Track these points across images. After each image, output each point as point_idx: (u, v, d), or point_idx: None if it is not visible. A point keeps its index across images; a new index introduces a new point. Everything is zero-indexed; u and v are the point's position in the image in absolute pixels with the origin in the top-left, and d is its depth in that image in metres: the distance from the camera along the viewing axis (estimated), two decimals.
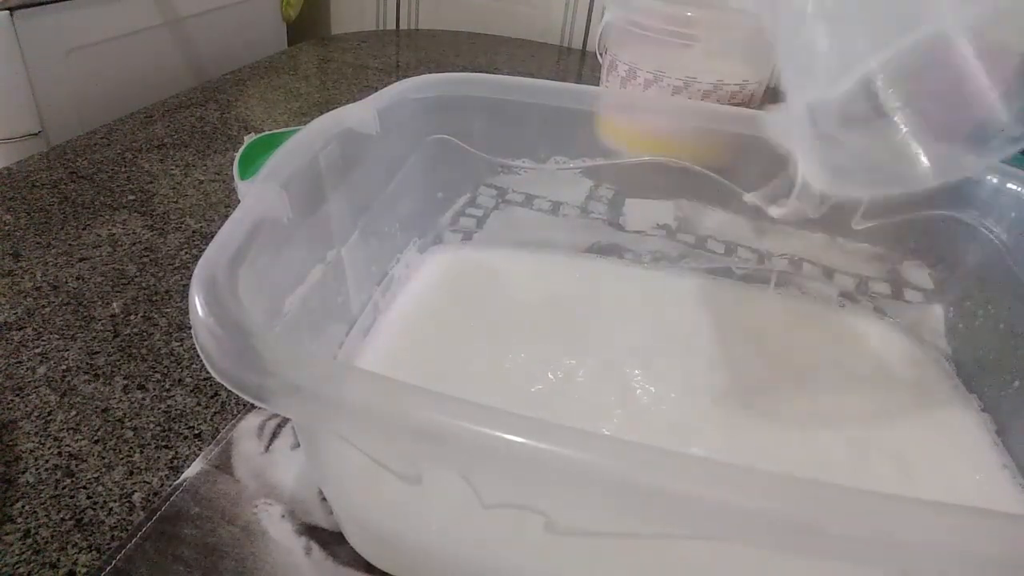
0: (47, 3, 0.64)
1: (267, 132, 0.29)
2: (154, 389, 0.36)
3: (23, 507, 0.29)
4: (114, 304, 0.41)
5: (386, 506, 0.26)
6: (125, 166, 0.56)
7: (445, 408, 0.18)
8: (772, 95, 0.83)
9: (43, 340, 0.38)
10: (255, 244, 0.24)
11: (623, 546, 0.23)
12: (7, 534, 0.28)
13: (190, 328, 0.39)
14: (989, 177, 0.38)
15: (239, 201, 0.26)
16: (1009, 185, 0.37)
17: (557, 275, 0.44)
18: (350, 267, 0.35)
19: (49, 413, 0.34)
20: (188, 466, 0.32)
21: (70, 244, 0.46)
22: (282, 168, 0.29)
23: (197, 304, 0.21)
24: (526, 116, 0.41)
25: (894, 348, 0.41)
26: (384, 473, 0.24)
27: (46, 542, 0.28)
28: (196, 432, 0.34)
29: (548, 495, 0.21)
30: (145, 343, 0.38)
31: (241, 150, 0.28)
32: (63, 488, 0.30)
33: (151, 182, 0.54)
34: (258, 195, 0.26)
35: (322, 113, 0.33)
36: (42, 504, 0.30)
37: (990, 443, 0.35)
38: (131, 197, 0.52)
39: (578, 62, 0.92)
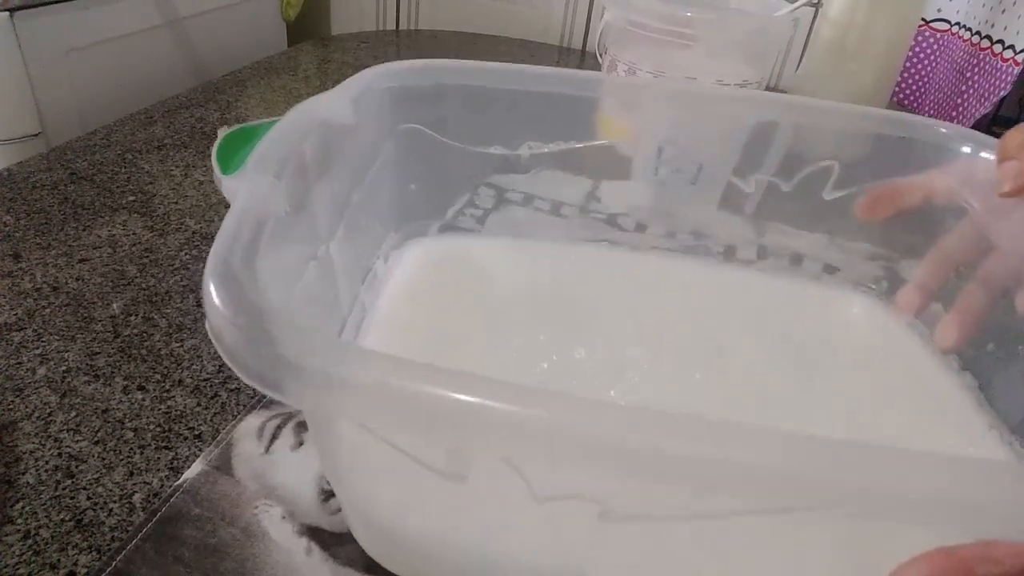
0: (47, 3, 0.64)
1: (239, 125, 0.28)
2: (154, 390, 0.36)
3: (23, 508, 0.29)
4: (114, 305, 0.41)
5: (420, 506, 0.26)
6: (125, 167, 0.56)
7: (498, 394, 0.18)
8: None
9: (43, 341, 0.38)
10: (261, 238, 0.23)
11: (663, 539, 0.22)
12: (7, 535, 0.28)
13: (190, 328, 0.40)
14: (964, 148, 0.39)
15: (223, 197, 0.25)
16: (982, 153, 0.38)
17: (543, 262, 0.44)
18: (338, 263, 0.34)
19: (49, 414, 0.34)
20: (188, 467, 0.32)
21: (70, 245, 0.46)
22: (269, 159, 0.27)
23: (215, 298, 0.19)
24: (497, 101, 0.40)
25: (872, 318, 0.42)
26: (414, 472, 0.23)
27: (46, 543, 0.28)
28: (196, 433, 0.34)
29: (607, 480, 0.21)
30: (145, 344, 0.38)
31: (216, 143, 0.27)
32: (63, 489, 0.30)
33: (151, 183, 0.54)
34: (253, 188, 0.25)
35: None
36: (42, 505, 0.30)
37: (975, 406, 0.36)
38: (131, 198, 0.52)
39: (578, 62, 0.92)
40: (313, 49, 0.88)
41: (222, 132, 0.26)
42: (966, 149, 0.38)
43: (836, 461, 0.18)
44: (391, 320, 0.38)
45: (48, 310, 0.40)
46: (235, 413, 0.35)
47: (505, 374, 0.18)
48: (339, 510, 0.30)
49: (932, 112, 0.75)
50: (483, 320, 0.39)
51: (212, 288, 0.20)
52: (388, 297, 0.40)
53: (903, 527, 0.19)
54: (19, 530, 0.29)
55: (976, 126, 0.68)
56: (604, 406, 0.18)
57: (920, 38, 0.75)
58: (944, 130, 0.39)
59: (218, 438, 0.33)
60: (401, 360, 0.19)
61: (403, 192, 0.43)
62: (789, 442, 0.18)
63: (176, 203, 0.51)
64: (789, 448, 0.18)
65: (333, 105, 0.33)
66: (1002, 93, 0.62)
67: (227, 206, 0.25)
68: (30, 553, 0.28)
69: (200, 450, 0.33)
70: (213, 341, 0.20)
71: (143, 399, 0.35)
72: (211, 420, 0.34)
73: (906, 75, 0.78)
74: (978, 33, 0.68)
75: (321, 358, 0.19)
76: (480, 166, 0.43)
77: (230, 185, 0.26)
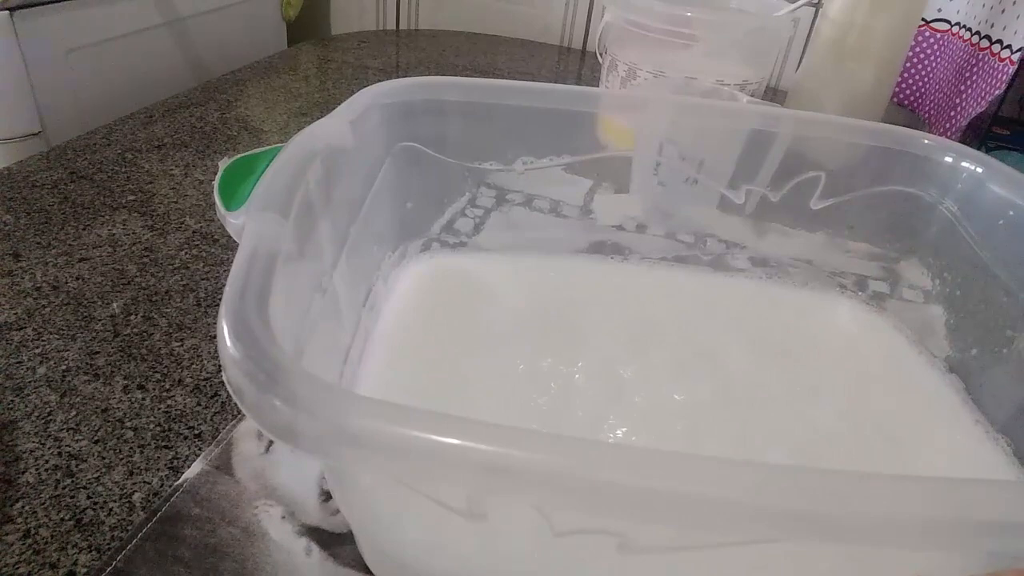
0: (47, 3, 0.64)
1: (239, 155, 0.28)
2: (154, 389, 0.36)
3: (23, 507, 0.29)
4: (114, 304, 0.41)
5: (448, 550, 0.26)
6: (125, 166, 0.56)
7: (519, 443, 0.18)
8: (772, 95, 0.83)
9: (43, 340, 0.38)
10: (271, 282, 0.23)
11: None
12: (7, 534, 0.28)
13: (190, 328, 0.40)
14: (946, 158, 0.40)
15: (228, 234, 0.25)
16: (963, 163, 0.40)
17: (539, 277, 0.44)
18: (341, 290, 0.34)
19: (49, 413, 0.34)
20: (188, 466, 0.32)
21: (70, 244, 0.46)
22: (274, 196, 0.27)
23: (231, 350, 0.19)
24: (493, 117, 0.40)
25: (859, 320, 0.44)
26: (432, 509, 0.23)
27: (46, 542, 0.28)
28: (196, 432, 0.34)
29: (625, 519, 0.21)
30: (145, 343, 0.38)
31: (218, 176, 0.26)
32: (63, 488, 0.30)
33: (151, 182, 0.54)
34: (259, 229, 0.25)
35: (322, 113, 0.33)
36: (42, 504, 0.30)
37: (960, 402, 0.38)
38: (131, 197, 0.52)
39: (578, 62, 0.92)
40: (313, 49, 0.88)
41: (223, 164, 0.26)
42: (948, 159, 0.40)
43: (850, 494, 0.18)
44: (393, 346, 0.38)
45: (48, 309, 0.40)
46: (235, 413, 0.35)
47: (508, 405, 0.18)
48: (339, 511, 0.30)
49: (932, 112, 0.75)
50: (481, 342, 0.39)
51: (228, 341, 0.20)
52: (388, 320, 0.39)
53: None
54: (19, 529, 0.29)
55: (974, 124, 0.68)
56: (629, 451, 0.18)
57: (920, 38, 0.75)
58: (927, 141, 0.41)
59: (218, 438, 0.33)
60: (415, 411, 0.18)
61: (401, 211, 0.42)
62: (803, 477, 0.18)
63: (176, 202, 0.51)
64: (805, 484, 0.18)
65: (333, 131, 0.32)
66: (997, 92, 0.62)
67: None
68: (30, 552, 0.28)
69: (200, 450, 0.33)
70: (231, 392, 0.19)
71: (143, 398, 0.35)
72: (211, 419, 0.34)
73: (906, 75, 0.78)
74: (977, 33, 0.68)
75: (337, 413, 0.18)
76: (476, 180, 0.43)
77: (235, 223, 0.25)
